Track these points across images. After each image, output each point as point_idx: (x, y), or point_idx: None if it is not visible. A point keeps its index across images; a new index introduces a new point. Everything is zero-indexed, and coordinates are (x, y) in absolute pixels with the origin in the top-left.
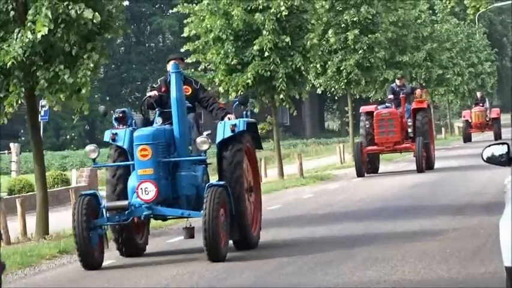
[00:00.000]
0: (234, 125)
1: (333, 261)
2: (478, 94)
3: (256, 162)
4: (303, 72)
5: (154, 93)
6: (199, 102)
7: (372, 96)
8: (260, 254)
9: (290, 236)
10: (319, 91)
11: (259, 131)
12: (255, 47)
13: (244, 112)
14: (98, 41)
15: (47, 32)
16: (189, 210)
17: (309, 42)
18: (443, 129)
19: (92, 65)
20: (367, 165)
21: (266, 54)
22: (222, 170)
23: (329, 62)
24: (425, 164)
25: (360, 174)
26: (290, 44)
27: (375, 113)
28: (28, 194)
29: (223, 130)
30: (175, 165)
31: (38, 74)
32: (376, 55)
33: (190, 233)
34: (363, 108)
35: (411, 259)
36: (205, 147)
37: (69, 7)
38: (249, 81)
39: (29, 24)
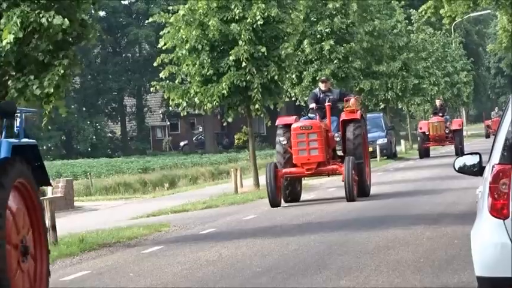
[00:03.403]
0: None
1: (307, 271)
2: (437, 102)
3: (39, 209)
4: (279, 83)
5: None
6: None
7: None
8: (233, 265)
9: (264, 246)
10: (297, 102)
11: (236, 141)
12: (231, 57)
13: (17, 128)
14: (71, 50)
15: (12, 40)
16: None
17: (284, 52)
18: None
19: (62, 71)
20: (285, 192)
21: (243, 64)
22: None
23: (304, 72)
24: (358, 190)
25: (274, 203)
26: (266, 54)
27: (292, 126)
28: None
29: None
30: None
31: (9, 83)
32: (351, 65)
33: None
34: (280, 120)
35: (385, 269)
36: None
37: (41, 15)
38: (225, 91)
39: (2, 34)
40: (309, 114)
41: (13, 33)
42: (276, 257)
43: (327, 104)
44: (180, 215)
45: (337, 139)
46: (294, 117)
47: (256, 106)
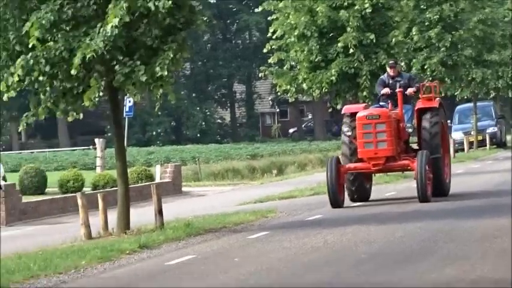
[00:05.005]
0: None
1: (412, 258)
2: None
3: None
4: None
5: None
6: None
7: (458, 94)
8: (338, 251)
9: (370, 232)
10: None
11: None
12: (340, 44)
13: None
14: (179, 35)
15: (117, 24)
16: None
17: (393, 39)
18: None
19: (171, 55)
20: (351, 189)
21: (351, 51)
22: None
23: (413, 60)
24: (434, 189)
25: (335, 203)
26: (375, 41)
27: (357, 115)
28: (112, 189)
29: None
30: None
31: (116, 68)
32: (461, 53)
33: None
34: (347, 108)
35: (491, 257)
36: None
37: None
38: (333, 78)
39: (108, 18)
40: (380, 102)
41: (120, 17)
42: (381, 244)
43: (398, 89)
44: (287, 201)
45: (410, 130)
46: (363, 105)
47: (364, 93)
